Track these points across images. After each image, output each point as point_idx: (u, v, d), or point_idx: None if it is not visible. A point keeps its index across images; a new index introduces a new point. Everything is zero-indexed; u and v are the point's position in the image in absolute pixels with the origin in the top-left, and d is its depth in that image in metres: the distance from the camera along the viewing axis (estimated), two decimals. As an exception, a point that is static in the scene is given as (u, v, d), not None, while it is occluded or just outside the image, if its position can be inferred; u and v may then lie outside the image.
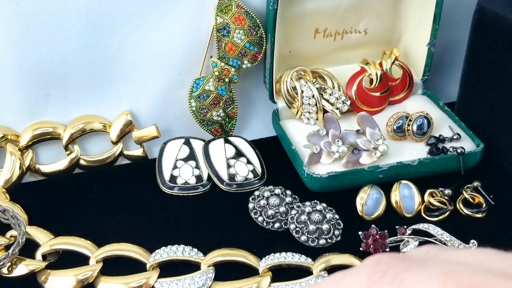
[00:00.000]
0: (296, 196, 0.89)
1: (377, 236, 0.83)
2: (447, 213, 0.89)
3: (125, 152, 0.99)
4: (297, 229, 0.84)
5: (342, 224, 0.85)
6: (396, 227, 0.84)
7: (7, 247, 0.80)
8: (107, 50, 0.94)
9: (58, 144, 0.97)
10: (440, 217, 0.88)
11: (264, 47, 0.95)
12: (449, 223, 0.87)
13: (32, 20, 0.88)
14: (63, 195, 0.92)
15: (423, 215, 0.89)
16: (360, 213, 0.88)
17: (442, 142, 0.96)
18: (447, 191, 0.90)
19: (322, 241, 0.83)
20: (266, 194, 0.88)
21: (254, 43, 0.94)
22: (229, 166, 0.94)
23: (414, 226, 0.84)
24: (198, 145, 0.98)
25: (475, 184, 0.91)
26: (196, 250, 0.81)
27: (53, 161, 0.97)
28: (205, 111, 0.98)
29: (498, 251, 0.43)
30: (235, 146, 0.98)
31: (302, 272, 0.79)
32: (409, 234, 0.83)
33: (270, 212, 0.86)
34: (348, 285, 0.41)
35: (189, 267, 0.79)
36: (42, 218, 0.86)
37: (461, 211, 0.90)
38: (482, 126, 0.99)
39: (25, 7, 0.87)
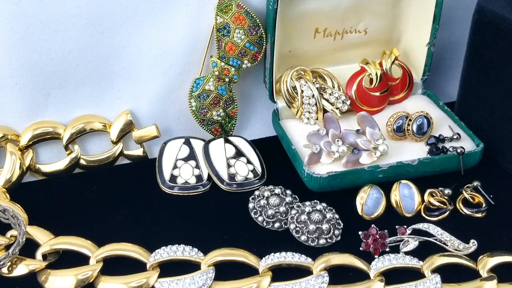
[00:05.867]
0: (296, 196, 0.89)
1: (377, 236, 0.83)
2: (447, 213, 0.89)
3: (125, 152, 1.00)
4: (297, 229, 0.84)
5: (342, 224, 0.85)
6: (396, 227, 0.84)
7: (7, 247, 0.80)
8: (107, 50, 0.94)
9: (58, 144, 0.97)
10: (440, 217, 0.88)
11: (264, 46, 0.95)
12: (449, 223, 0.87)
13: (32, 20, 0.88)
14: (63, 195, 0.92)
15: (423, 215, 0.89)
16: (360, 213, 0.88)
17: (442, 142, 0.96)
18: (447, 191, 0.90)
19: (322, 241, 0.83)
20: (266, 194, 0.88)
21: (254, 43, 0.94)
22: (229, 166, 0.94)
23: (414, 226, 0.84)
24: (198, 145, 0.98)
25: (475, 184, 0.91)
26: (196, 250, 0.81)
27: (53, 161, 0.97)
28: (205, 110, 0.98)
29: None
30: (235, 146, 0.98)
31: (302, 272, 0.79)
32: (409, 234, 0.83)
33: (270, 212, 0.86)
34: None
35: (189, 267, 0.79)
36: (42, 218, 0.86)
37: (461, 211, 0.90)
38: (482, 126, 0.99)
39: (25, 7, 0.87)
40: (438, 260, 0.80)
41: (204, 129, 1.00)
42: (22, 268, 0.78)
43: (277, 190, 0.89)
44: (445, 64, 1.15)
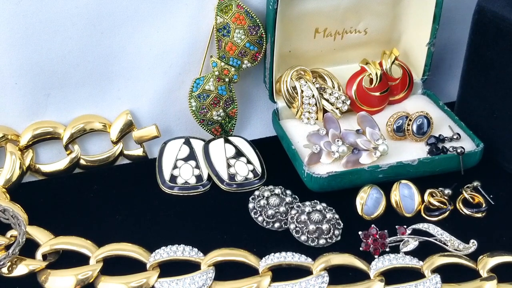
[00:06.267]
0: (296, 196, 0.89)
1: (377, 236, 0.83)
2: (447, 213, 0.89)
3: (125, 152, 1.00)
4: (297, 229, 0.84)
5: (342, 224, 0.85)
6: (396, 227, 0.84)
7: (7, 247, 0.80)
8: (107, 50, 0.94)
9: (58, 144, 0.97)
10: (440, 217, 0.88)
11: (264, 46, 0.95)
12: (449, 223, 0.87)
13: (32, 20, 0.88)
14: (63, 195, 0.92)
15: (423, 215, 0.89)
16: (360, 213, 0.88)
17: (442, 142, 0.96)
18: (447, 191, 0.90)
19: (322, 241, 0.83)
20: (266, 194, 0.88)
21: (254, 43, 0.94)
22: (229, 166, 0.94)
23: (414, 226, 0.84)
24: (198, 145, 0.98)
25: (475, 184, 0.91)
26: (196, 250, 0.81)
27: (53, 161, 0.97)
28: (205, 110, 0.98)
29: None
30: (235, 146, 0.98)
31: (302, 272, 0.79)
32: (409, 234, 0.83)
33: (270, 212, 0.86)
34: None
35: (189, 267, 0.79)
36: (42, 218, 0.86)
37: (461, 211, 0.90)
38: (482, 126, 0.99)
39: (25, 7, 0.87)
40: (438, 260, 0.80)
41: (204, 129, 1.00)
42: (22, 268, 0.78)
43: (277, 190, 0.89)
44: (445, 64, 1.15)
